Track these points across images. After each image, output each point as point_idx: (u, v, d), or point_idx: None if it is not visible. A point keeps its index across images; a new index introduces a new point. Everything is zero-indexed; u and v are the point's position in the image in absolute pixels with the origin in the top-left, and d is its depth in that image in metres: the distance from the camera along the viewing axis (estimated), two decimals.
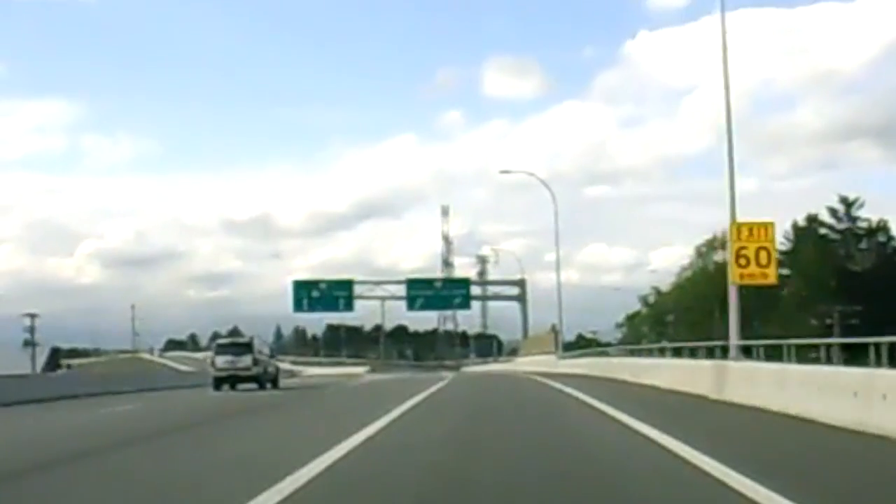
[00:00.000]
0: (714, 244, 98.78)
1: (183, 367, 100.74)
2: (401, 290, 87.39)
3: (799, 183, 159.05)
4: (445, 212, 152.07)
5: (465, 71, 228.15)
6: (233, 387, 32.95)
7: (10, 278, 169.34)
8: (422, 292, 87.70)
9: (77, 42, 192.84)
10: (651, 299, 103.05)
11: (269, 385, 35.41)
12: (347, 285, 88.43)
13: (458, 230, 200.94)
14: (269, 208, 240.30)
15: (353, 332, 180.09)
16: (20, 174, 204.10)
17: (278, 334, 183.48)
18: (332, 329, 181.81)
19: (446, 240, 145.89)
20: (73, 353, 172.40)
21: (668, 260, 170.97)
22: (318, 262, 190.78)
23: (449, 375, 64.83)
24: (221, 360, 33.80)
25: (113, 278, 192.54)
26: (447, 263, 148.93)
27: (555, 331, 59.04)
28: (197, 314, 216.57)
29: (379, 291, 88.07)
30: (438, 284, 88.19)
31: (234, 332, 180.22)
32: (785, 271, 71.23)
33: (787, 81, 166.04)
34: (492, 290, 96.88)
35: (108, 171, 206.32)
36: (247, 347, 34.72)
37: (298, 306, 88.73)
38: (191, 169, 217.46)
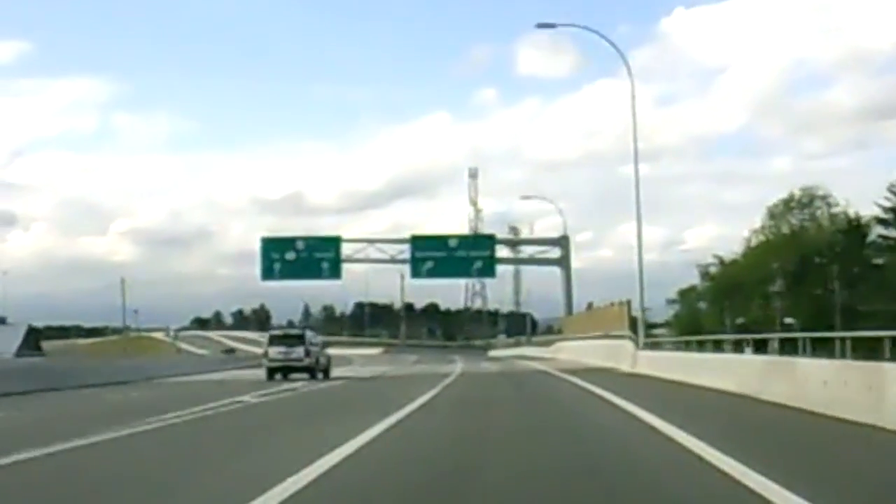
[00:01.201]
0: (791, 204, 75.23)
1: (199, 351, 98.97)
2: (405, 251, 62.85)
3: (834, 162, 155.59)
4: (474, 174, 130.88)
5: (499, 48, 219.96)
6: (285, 376, 31.87)
7: (42, 256, 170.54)
8: (431, 254, 62.70)
9: (109, 20, 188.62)
10: (712, 271, 78.69)
11: (320, 375, 33.39)
12: (333, 245, 63.36)
13: (490, 209, 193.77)
14: (302, 187, 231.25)
15: (383, 310, 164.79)
16: (53, 153, 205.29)
17: (306, 312, 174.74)
18: (361, 307, 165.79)
19: (475, 205, 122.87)
20: (62, 331, 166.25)
21: (702, 239, 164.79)
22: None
23: (455, 370, 40.68)
24: (274, 351, 32.66)
25: (145, 257, 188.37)
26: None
27: (628, 307, 33.56)
28: (226, 293, 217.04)
29: (374, 253, 63.55)
30: (453, 243, 63.01)
31: (262, 310, 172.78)
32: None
33: (822, 60, 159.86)
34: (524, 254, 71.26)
35: (141, 150, 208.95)
36: (299, 339, 33.60)
37: (268, 273, 63.84)
38: (223, 147, 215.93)
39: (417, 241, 62.16)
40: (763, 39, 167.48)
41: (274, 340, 33.59)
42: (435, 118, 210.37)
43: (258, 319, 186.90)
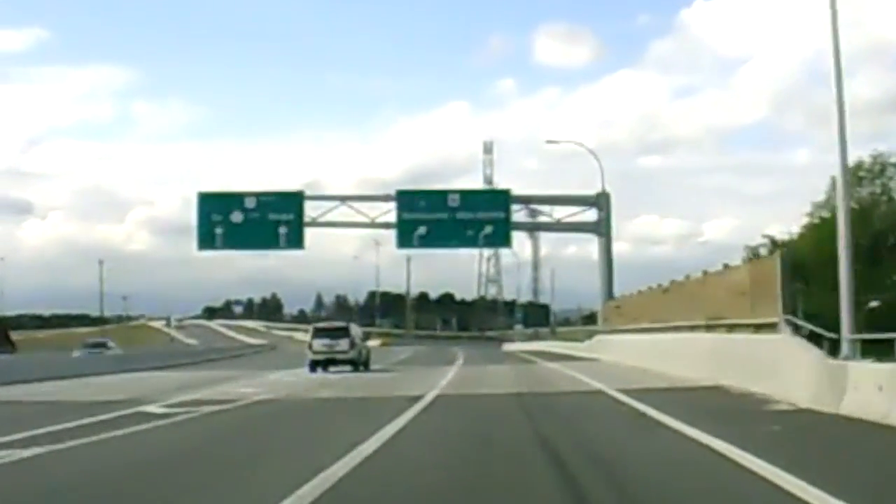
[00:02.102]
0: (860, 173, 57.10)
1: (188, 340, 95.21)
2: (390, 212, 44.83)
3: (852, 154, 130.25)
4: (488, 149, 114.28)
5: (517, 38, 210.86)
6: (325, 368, 30.52)
7: (59, 245, 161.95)
8: (424, 215, 44.84)
9: (127, 7, 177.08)
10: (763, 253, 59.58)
11: (362, 367, 31.85)
12: (294, 204, 45.46)
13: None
14: (320, 175, 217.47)
15: (397, 300, 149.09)
16: (70, 141, 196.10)
17: (319, 302, 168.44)
18: (374, 296, 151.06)
19: (490, 183, 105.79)
20: (68, 320, 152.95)
21: (721, 231, 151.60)
22: (369, 232, 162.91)
23: (441, 382, 22.58)
24: (319, 344, 31.37)
25: (162, 245, 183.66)
26: None
27: (782, 264, 15.67)
28: (240, 282, 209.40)
29: (352, 215, 45.39)
30: (455, 200, 44.86)
31: (274, 299, 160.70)
32: None
33: (842, 53, 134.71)
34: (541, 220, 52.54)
35: (159, 139, 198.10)
36: (344, 331, 32.17)
37: (207, 241, 46.12)
38: (241, 136, 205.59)
39: (405, 198, 44.09)
40: (783, 31, 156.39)
41: (318, 333, 32.29)
42: (453, 108, 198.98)
43: (268, 309, 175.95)
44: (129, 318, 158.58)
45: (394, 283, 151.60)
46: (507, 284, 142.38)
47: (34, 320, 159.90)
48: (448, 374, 26.11)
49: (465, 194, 44.71)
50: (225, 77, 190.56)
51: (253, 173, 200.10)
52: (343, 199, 44.72)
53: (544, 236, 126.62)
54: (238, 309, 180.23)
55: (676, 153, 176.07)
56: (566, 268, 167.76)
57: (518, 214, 44.69)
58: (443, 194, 44.29)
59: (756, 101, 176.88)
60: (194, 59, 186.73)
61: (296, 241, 44.41)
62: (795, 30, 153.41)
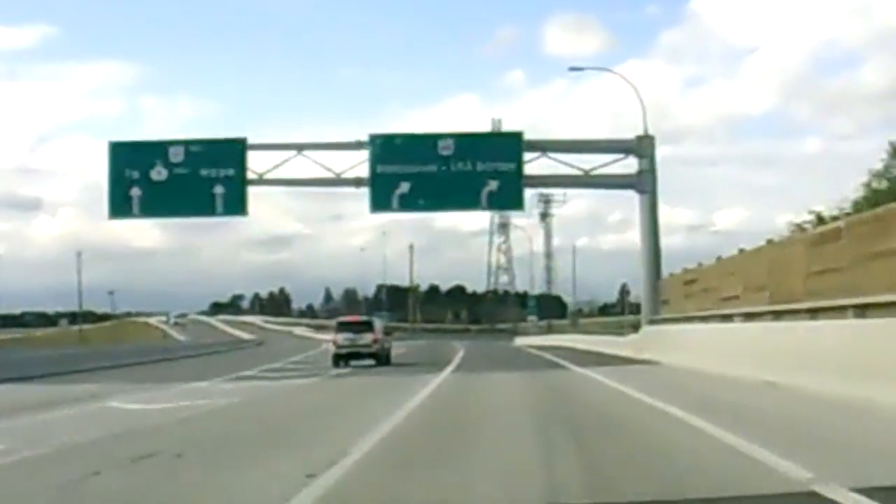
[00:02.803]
0: None
1: (180, 337, 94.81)
2: (362, 164, 32.36)
3: (865, 144, 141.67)
4: (497, 126, 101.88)
5: (525, 29, 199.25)
6: (347, 362, 29.73)
7: (68, 242, 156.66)
8: (406, 168, 32.30)
9: (133, 3, 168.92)
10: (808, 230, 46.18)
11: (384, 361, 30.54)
12: (234, 154, 32.75)
13: None
14: (330, 171, 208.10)
15: (405, 293, 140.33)
16: (79, 137, 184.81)
17: (327, 297, 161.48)
18: (387, 291, 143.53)
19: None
20: (42, 318, 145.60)
21: (732, 221, 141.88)
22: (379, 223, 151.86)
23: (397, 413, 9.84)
24: (343, 338, 30.58)
25: (172, 241, 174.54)
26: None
27: None
28: (250, 277, 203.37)
29: (311, 169, 32.68)
30: (447, 148, 32.33)
31: (281, 294, 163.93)
32: None
33: (851, 41, 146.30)
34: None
35: (167, 134, 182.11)
36: (368, 326, 31.23)
37: (120, 206, 33.92)
38: (250, 131, 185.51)
39: (382, 145, 31.59)
40: (792, 20, 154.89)
41: (342, 327, 31.20)
42: (463, 100, 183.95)
43: (276, 303, 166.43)
44: (130, 315, 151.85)
45: (404, 276, 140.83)
46: (518, 275, 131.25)
47: (38, 318, 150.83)
48: (416, 397, 13.84)
49: (462, 139, 31.84)
50: (232, 72, 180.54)
51: (263, 168, 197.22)
52: (299, 147, 32.17)
53: (554, 228, 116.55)
54: (245, 304, 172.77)
55: (686, 143, 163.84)
56: (577, 259, 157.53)
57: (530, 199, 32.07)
58: (432, 139, 31.62)
59: (765, 91, 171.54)
60: (202, 54, 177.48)
61: (236, 204, 31.90)
62: (803, 19, 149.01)
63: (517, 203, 32.14)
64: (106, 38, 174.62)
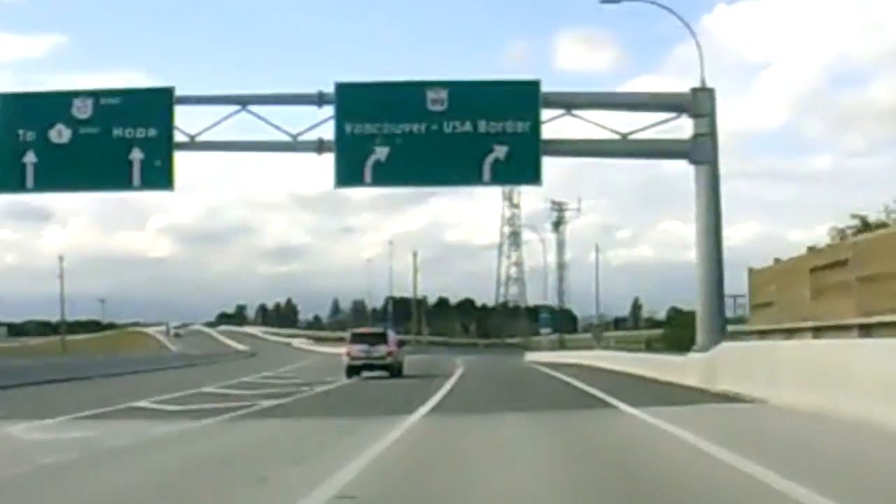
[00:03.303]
0: None
1: (174, 347, 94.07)
2: (325, 124, 24.09)
3: (877, 161, 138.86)
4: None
5: (537, 43, 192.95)
6: (358, 373, 29.30)
7: (78, 252, 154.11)
8: (385, 127, 24.30)
9: (144, 12, 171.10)
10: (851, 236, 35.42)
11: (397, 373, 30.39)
12: (158, 109, 24.70)
13: (530, 206, 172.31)
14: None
15: (415, 305, 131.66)
16: None
17: (335, 308, 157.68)
18: (395, 303, 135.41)
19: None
20: (45, 327, 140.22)
21: (744, 237, 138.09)
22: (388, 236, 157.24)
23: None
24: (356, 349, 30.30)
25: (182, 252, 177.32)
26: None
27: None
28: (261, 288, 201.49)
29: (261, 130, 24.52)
30: (438, 102, 23.37)
31: (289, 305, 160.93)
32: None
33: (863, 57, 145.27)
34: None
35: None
36: (382, 338, 31.10)
37: (10, 179, 25.48)
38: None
39: (351, 97, 23.20)
40: (804, 36, 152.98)
41: (357, 338, 30.99)
42: None
43: (281, 315, 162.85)
44: (138, 325, 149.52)
45: (412, 289, 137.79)
46: (529, 287, 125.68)
47: (40, 327, 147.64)
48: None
49: (459, 89, 23.11)
50: (241, 82, 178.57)
51: (273, 180, 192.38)
52: (242, 102, 23.71)
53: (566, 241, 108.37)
54: (251, 315, 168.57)
55: None
56: (584, 273, 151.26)
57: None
58: (419, 89, 22.91)
59: (777, 106, 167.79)
60: (210, 65, 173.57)
61: (159, 175, 23.44)
62: (813, 35, 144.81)
63: (532, 175, 23.42)
64: (117, 47, 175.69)
